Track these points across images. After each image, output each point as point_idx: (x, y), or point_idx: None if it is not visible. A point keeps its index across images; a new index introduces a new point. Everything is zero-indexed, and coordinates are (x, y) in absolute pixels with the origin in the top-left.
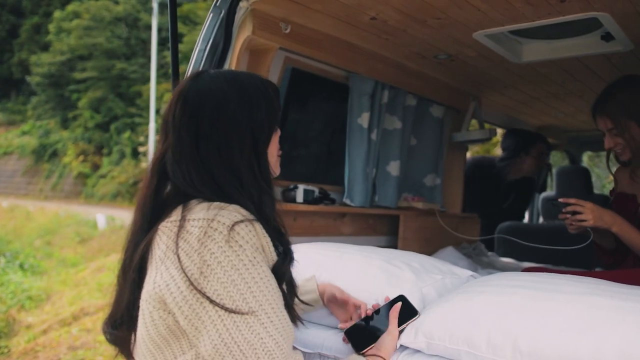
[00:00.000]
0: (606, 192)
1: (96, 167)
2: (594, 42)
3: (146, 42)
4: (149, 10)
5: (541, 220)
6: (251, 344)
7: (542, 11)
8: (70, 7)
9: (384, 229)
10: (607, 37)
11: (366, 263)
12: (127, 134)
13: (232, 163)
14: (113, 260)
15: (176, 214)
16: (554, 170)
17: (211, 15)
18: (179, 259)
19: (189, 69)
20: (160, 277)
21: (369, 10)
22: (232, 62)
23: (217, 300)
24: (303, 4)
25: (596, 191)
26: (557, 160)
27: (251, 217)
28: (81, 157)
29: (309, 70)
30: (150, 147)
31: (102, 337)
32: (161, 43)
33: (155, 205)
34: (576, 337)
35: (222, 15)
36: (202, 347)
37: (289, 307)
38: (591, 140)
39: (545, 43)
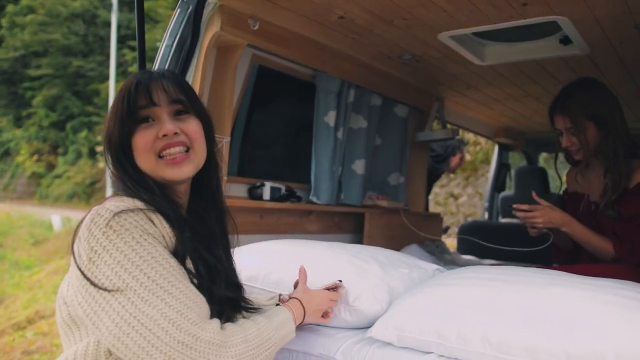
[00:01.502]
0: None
1: (51, 167)
2: (553, 45)
3: (104, 40)
4: (108, 7)
5: (500, 218)
6: (151, 316)
7: (504, 14)
8: (24, 2)
9: (349, 226)
10: (565, 40)
11: (334, 258)
12: (84, 133)
13: (113, 168)
14: (70, 263)
15: None
16: (512, 171)
17: (178, 10)
18: (73, 252)
19: (156, 64)
20: (66, 277)
21: (337, 9)
22: (200, 59)
23: (108, 283)
24: (272, 1)
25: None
26: (515, 161)
27: (146, 207)
28: (35, 157)
29: (276, 68)
30: None
31: (58, 341)
32: (120, 41)
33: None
34: (544, 327)
35: (189, 10)
36: (105, 331)
37: (209, 289)
38: (547, 141)
39: (506, 46)
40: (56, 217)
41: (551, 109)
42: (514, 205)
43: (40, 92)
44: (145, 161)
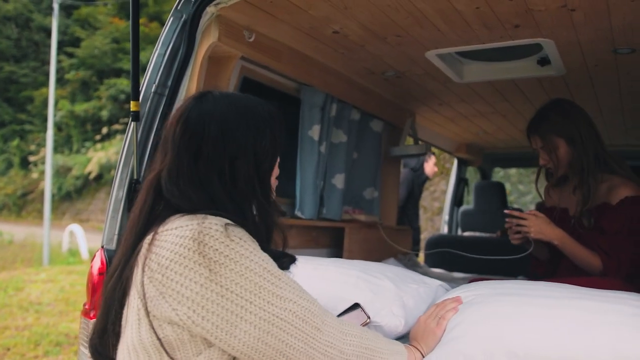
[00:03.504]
0: None
1: None
2: (531, 65)
3: (39, 45)
4: (43, 11)
5: (460, 232)
6: (289, 309)
7: (496, 35)
8: None
9: (326, 241)
10: (543, 61)
11: (344, 274)
12: (15, 142)
13: (235, 186)
14: (4, 279)
15: (162, 227)
16: (471, 185)
17: (172, 19)
18: (180, 267)
19: (147, 73)
20: (163, 300)
21: (334, 23)
22: (195, 69)
23: (239, 289)
24: (271, 13)
25: None
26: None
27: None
28: None
29: (261, 80)
30: (48, 156)
31: None
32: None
33: (148, 222)
34: (570, 339)
35: (183, 19)
36: (244, 336)
37: None
38: (502, 157)
39: (485, 64)
40: None
41: (528, 129)
42: (506, 211)
43: None
44: (273, 182)
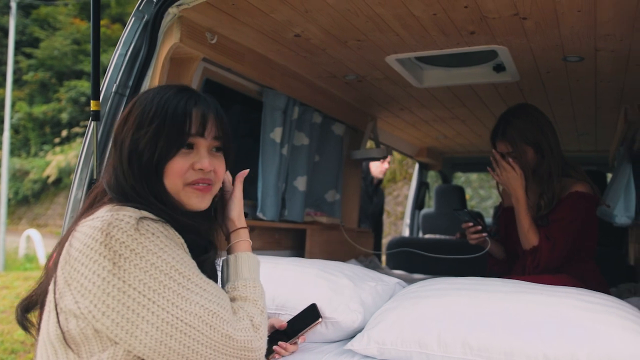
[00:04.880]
0: None
1: None
2: (487, 72)
3: None
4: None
5: (421, 234)
6: (194, 313)
7: (452, 41)
8: None
9: (289, 243)
10: (498, 68)
11: (303, 272)
12: None
13: (128, 176)
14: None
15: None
16: (432, 189)
17: (133, 19)
18: (86, 258)
19: (108, 73)
20: (69, 292)
21: (295, 27)
22: (157, 70)
23: (142, 287)
24: (233, 16)
25: None
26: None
27: (158, 219)
28: None
29: (223, 82)
30: (4, 159)
31: None
32: (14, 47)
33: (89, 207)
34: (521, 331)
35: (145, 19)
36: (145, 337)
37: None
38: (461, 162)
39: (444, 70)
40: None
41: (493, 134)
42: (466, 210)
43: None
44: (173, 185)
